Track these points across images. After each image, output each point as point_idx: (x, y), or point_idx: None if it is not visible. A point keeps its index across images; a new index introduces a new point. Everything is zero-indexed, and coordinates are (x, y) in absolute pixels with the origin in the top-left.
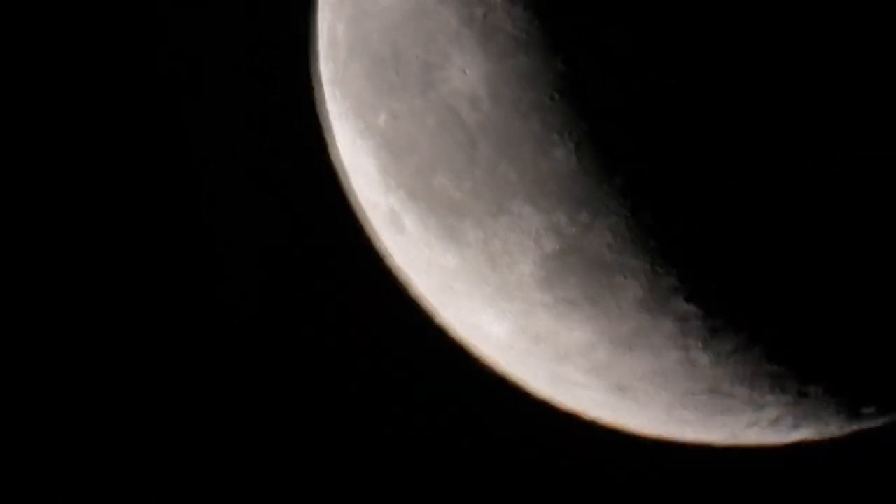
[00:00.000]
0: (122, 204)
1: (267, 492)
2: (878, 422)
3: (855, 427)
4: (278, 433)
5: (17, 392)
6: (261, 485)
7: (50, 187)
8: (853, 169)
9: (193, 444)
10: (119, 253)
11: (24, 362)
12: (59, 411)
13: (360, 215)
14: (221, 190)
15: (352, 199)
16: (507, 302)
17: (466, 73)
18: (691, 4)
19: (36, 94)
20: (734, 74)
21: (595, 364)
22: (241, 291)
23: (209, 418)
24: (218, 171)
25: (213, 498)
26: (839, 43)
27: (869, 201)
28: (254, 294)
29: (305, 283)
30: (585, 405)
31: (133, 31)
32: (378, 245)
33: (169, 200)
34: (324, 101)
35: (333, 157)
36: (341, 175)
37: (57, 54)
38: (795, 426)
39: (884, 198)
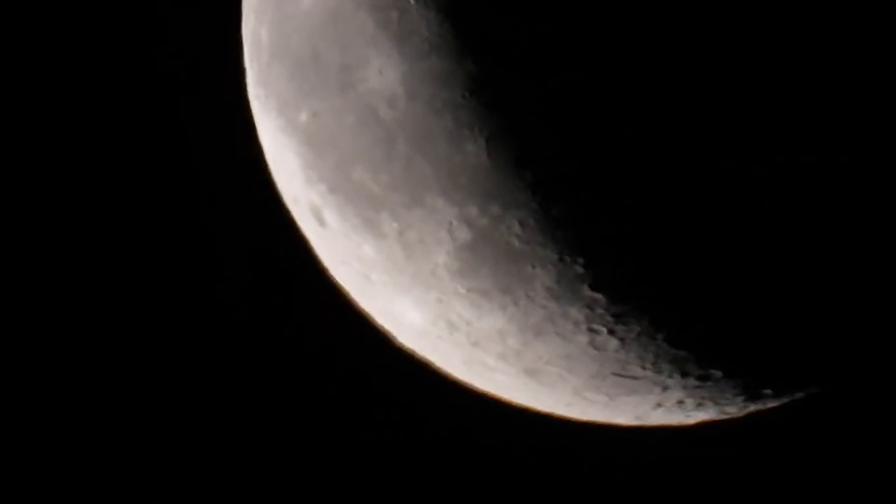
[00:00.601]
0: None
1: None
2: (775, 403)
3: (753, 408)
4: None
5: (15, 392)
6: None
7: (48, 187)
8: (765, 168)
9: (186, 443)
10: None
11: (22, 362)
12: (56, 411)
13: (285, 210)
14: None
15: (277, 193)
16: (423, 291)
17: (383, 73)
18: (596, 6)
19: (35, 93)
20: (638, 74)
21: (506, 350)
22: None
23: (202, 418)
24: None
25: (211, 498)
26: (759, 43)
27: (772, 198)
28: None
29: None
30: (498, 388)
31: (133, 31)
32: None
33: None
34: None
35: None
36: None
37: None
38: (698, 407)
39: (786, 196)
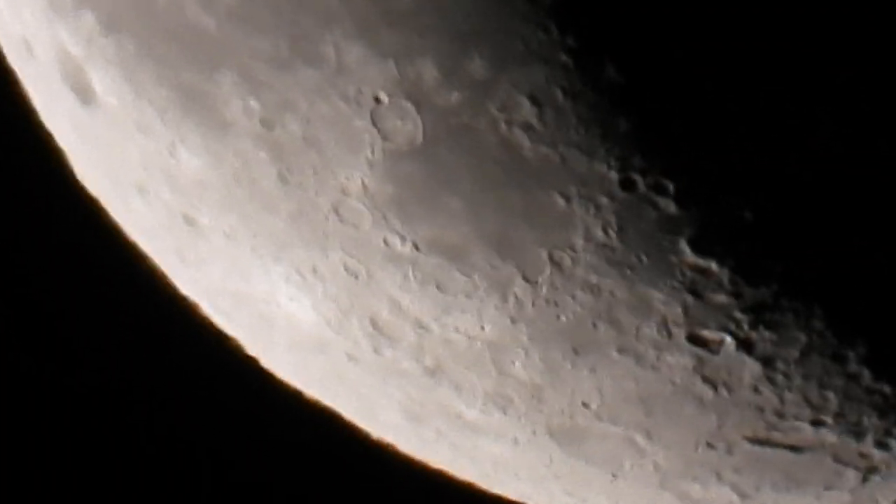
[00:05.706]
0: None
1: None
2: None
3: None
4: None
5: (13, 391)
6: None
7: (42, 187)
8: None
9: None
10: None
11: (18, 361)
12: (51, 411)
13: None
14: None
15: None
16: (315, 250)
17: None
18: None
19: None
20: None
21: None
22: None
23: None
24: None
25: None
26: None
27: None
28: None
29: None
30: (500, 478)
31: None
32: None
33: None
34: None
35: None
36: None
37: None
38: None
39: None
